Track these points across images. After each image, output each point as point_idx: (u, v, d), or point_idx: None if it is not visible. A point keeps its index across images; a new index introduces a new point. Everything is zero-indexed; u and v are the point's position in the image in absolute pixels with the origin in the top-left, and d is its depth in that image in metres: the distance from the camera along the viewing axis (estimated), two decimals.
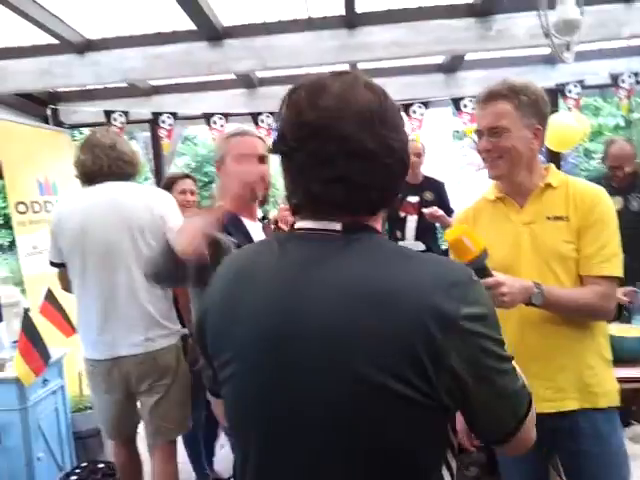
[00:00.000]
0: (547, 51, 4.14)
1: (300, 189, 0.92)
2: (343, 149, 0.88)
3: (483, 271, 1.54)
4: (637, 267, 3.37)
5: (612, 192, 3.57)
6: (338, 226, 0.91)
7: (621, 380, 1.84)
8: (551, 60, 4.15)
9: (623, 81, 4.11)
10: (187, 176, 3.40)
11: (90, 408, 3.36)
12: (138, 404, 2.57)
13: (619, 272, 1.67)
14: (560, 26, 2.60)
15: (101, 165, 2.41)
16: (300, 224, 0.95)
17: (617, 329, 2.42)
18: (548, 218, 1.70)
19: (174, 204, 2.47)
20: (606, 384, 1.72)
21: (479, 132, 1.72)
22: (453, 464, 0.94)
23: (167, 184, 3.28)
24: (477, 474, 3.24)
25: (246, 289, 0.94)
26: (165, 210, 2.39)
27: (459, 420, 0.98)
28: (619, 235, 1.71)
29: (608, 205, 1.69)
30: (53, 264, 2.53)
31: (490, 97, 1.68)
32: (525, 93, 1.66)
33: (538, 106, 1.68)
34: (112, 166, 2.42)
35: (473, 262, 1.51)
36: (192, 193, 3.30)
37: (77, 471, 2.97)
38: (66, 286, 2.57)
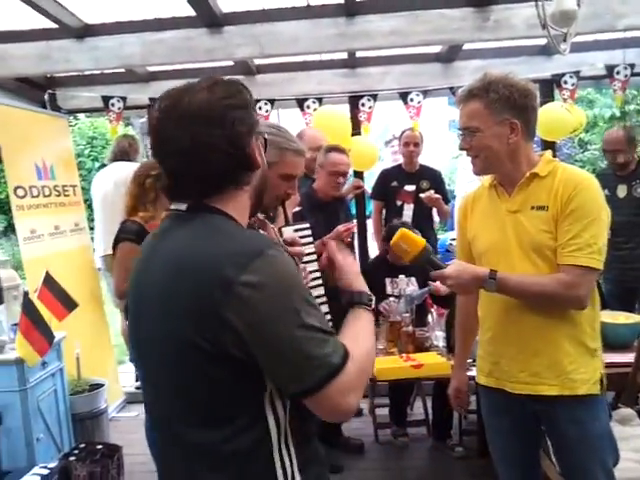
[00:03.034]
0: (544, 42, 4.16)
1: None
2: (165, 150, 1.07)
3: (431, 264, 1.70)
4: None
5: (618, 181, 3.67)
6: (184, 207, 1.09)
7: (610, 365, 1.90)
8: (547, 51, 4.16)
9: (618, 72, 4.13)
10: None
11: (88, 390, 3.40)
12: None
13: (591, 262, 1.62)
14: (557, 17, 2.63)
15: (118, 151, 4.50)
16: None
17: (608, 316, 2.47)
18: (532, 208, 1.71)
19: None
20: (586, 372, 1.70)
21: (460, 131, 1.77)
22: (280, 413, 1.05)
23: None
24: (463, 455, 3.30)
25: (139, 257, 1.18)
26: None
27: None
28: (603, 226, 1.66)
29: (591, 194, 1.65)
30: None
31: (464, 97, 1.74)
32: (495, 89, 1.66)
33: (512, 100, 1.66)
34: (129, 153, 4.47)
35: (416, 260, 1.70)
36: None
37: (75, 452, 3.00)
38: None
